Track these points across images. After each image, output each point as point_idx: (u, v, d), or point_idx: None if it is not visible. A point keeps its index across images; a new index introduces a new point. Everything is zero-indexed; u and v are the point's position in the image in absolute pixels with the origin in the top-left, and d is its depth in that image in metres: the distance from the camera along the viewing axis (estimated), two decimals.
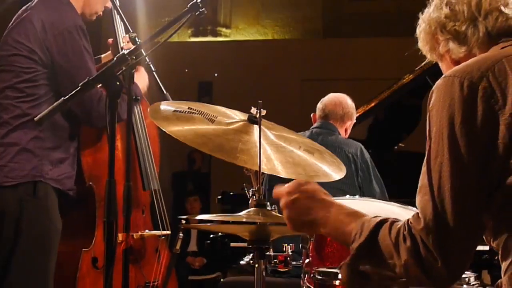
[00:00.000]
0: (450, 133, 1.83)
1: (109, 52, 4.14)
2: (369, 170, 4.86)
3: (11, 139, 3.58)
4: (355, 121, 5.17)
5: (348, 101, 5.11)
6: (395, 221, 1.91)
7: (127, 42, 3.99)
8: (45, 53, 3.62)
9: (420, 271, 1.82)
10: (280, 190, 2.12)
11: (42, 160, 3.59)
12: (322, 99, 5.14)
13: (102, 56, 4.17)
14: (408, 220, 1.87)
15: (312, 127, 5.07)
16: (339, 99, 5.10)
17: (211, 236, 7.03)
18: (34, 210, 3.56)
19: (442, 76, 1.94)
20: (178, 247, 3.48)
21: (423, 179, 1.88)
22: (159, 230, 4.08)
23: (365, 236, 1.91)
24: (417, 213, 1.86)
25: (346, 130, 5.09)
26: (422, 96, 6.79)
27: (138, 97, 3.89)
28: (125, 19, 4.03)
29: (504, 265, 1.91)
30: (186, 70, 10.66)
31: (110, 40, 4.09)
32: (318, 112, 5.10)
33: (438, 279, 1.83)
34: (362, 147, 4.93)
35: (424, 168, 1.88)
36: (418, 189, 1.89)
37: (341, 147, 4.82)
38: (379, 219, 1.93)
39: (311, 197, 2.07)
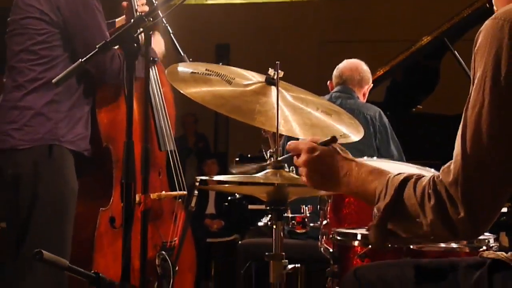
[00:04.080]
0: (494, 83, 1.72)
1: (123, 16, 4.13)
2: (387, 133, 4.91)
3: (27, 103, 3.61)
4: (372, 85, 5.20)
5: (363, 66, 5.19)
6: (419, 177, 1.85)
7: (142, 5, 3.98)
8: (57, 14, 3.64)
9: (446, 229, 1.76)
10: (297, 144, 2.08)
11: (57, 124, 3.61)
12: (338, 66, 5.21)
13: (116, 20, 4.16)
14: (433, 176, 1.81)
15: (331, 91, 5.11)
16: (354, 65, 5.17)
17: (229, 198, 7.06)
18: (50, 172, 3.59)
19: (491, 17, 1.79)
20: (193, 204, 3.50)
21: (460, 127, 1.79)
22: (176, 191, 4.10)
23: (390, 195, 1.85)
24: (449, 164, 1.79)
25: (364, 95, 5.16)
26: (440, 57, 6.77)
27: (156, 59, 3.89)
28: None
29: None
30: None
31: (124, 3, 4.08)
32: (335, 80, 5.16)
33: (462, 232, 1.77)
34: (381, 111, 4.98)
35: (463, 115, 1.79)
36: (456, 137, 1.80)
37: (360, 110, 4.88)
38: (403, 176, 1.87)
39: (332, 155, 2.02)
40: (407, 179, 1.86)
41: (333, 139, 2.07)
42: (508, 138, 1.73)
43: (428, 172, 2.98)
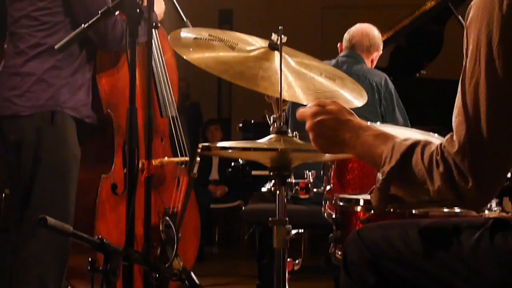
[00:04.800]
0: (488, 53, 1.76)
1: None
2: (393, 100, 4.89)
3: (28, 69, 3.60)
4: (381, 52, 5.16)
5: (375, 32, 5.14)
6: (427, 143, 1.86)
7: None
8: None
9: (454, 195, 1.78)
10: (304, 112, 2.09)
11: (59, 90, 3.61)
12: (349, 30, 5.16)
13: None
14: (441, 144, 1.83)
15: (338, 56, 5.08)
16: (366, 30, 5.12)
17: (233, 164, 7.06)
18: (52, 139, 3.59)
19: None
20: (195, 171, 3.50)
21: (458, 99, 1.82)
22: (178, 157, 4.11)
23: (396, 159, 1.86)
24: (451, 135, 1.81)
25: (372, 61, 5.12)
26: (444, 22, 6.74)
27: (158, 25, 3.88)
28: None
29: None
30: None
31: None
32: (344, 43, 5.12)
33: (471, 202, 1.80)
34: (387, 77, 4.94)
35: (459, 88, 1.82)
36: (454, 110, 1.83)
37: (366, 76, 4.85)
38: (410, 141, 1.88)
39: (336, 118, 2.02)
40: (414, 145, 1.87)
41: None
42: (506, 106, 1.76)
43: (432, 138, 2.98)
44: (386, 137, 1.95)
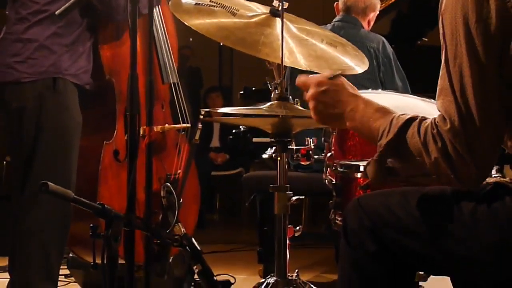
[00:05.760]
0: (466, 34, 1.82)
1: None
2: (391, 64, 4.83)
3: (30, 35, 3.58)
4: (378, 12, 5.07)
5: None
6: (424, 118, 1.90)
7: None
8: None
9: (450, 170, 1.82)
10: (306, 79, 2.10)
11: (61, 57, 3.60)
12: None
13: None
14: (434, 119, 1.86)
15: (333, 20, 4.99)
16: None
17: (234, 131, 7.07)
18: (54, 105, 3.59)
19: None
20: (197, 137, 3.50)
21: (443, 81, 1.86)
22: (179, 123, 4.11)
23: (393, 133, 1.90)
24: (442, 114, 1.85)
25: (369, 22, 5.02)
26: None
27: None
28: None
29: None
30: None
31: None
32: (340, 5, 5.00)
33: (467, 179, 1.84)
34: (385, 40, 4.88)
35: (443, 71, 1.87)
36: (438, 92, 1.88)
37: (363, 42, 4.77)
38: (408, 116, 1.92)
39: (340, 90, 2.05)
40: (412, 119, 1.91)
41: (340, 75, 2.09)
42: (490, 82, 1.82)
43: (434, 105, 2.99)
44: (385, 111, 1.99)
